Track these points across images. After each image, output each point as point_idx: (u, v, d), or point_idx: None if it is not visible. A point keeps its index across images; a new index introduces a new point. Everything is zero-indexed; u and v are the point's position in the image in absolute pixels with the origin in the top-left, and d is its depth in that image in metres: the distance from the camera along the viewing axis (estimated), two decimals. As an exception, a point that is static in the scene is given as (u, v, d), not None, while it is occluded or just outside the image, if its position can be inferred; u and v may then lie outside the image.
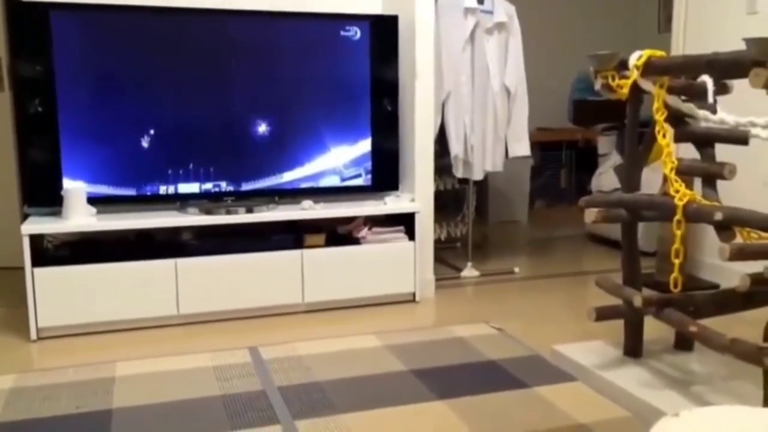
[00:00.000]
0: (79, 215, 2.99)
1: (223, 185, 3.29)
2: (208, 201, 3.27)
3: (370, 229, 3.40)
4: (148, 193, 3.19)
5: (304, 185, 3.42)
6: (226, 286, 3.13)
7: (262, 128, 3.31)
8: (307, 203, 3.33)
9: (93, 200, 3.07)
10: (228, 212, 3.17)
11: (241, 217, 3.18)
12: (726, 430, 0.96)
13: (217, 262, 3.11)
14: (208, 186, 3.28)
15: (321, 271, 3.26)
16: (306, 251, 3.24)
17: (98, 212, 3.08)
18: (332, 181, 3.46)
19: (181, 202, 3.25)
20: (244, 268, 3.15)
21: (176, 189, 3.23)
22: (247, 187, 3.33)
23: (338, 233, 3.46)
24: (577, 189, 6.12)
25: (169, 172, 3.21)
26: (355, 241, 3.38)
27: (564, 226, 5.44)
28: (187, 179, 3.24)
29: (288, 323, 3.15)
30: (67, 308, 2.92)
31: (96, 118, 3.07)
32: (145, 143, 3.15)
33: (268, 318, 3.21)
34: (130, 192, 3.16)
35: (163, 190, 3.21)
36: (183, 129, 3.20)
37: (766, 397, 1.91)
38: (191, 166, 3.24)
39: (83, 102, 3.04)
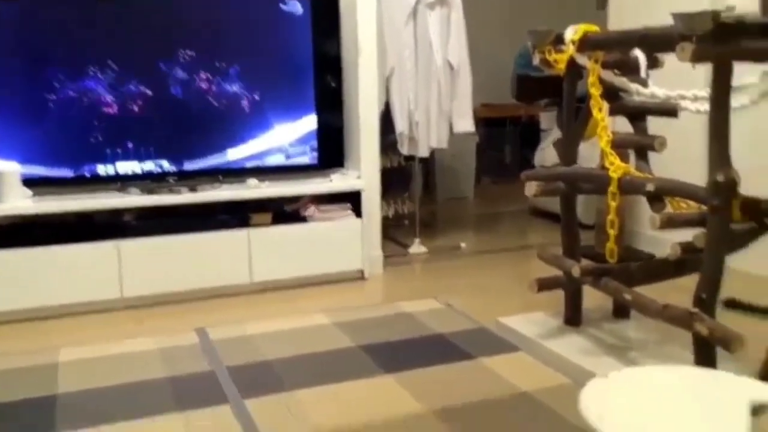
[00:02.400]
0: (14, 198, 2.89)
1: (165, 165, 3.23)
2: (150, 181, 3.21)
3: (316, 206, 3.39)
4: (87, 174, 3.11)
5: (248, 164, 3.38)
6: (171, 267, 3.09)
7: (204, 106, 3.26)
8: (252, 182, 3.30)
9: (28, 182, 2.97)
10: (171, 192, 3.12)
11: (185, 197, 3.13)
12: (647, 386, 1.02)
13: (161, 243, 3.06)
14: (150, 166, 3.21)
15: (268, 250, 3.25)
16: (252, 230, 3.22)
17: (34, 194, 2.98)
18: (277, 159, 3.44)
19: (122, 182, 3.18)
20: (190, 249, 3.11)
21: (116, 169, 3.15)
22: (189, 166, 3.28)
23: (285, 212, 3.44)
24: (522, 164, 6.23)
25: (108, 151, 3.13)
26: (302, 220, 3.37)
27: (509, 201, 5.54)
28: (126, 159, 3.16)
29: (236, 303, 3.13)
30: (6, 294, 2.84)
31: (28, 97, 2.96)
32: (81, 122, 3.06)
33: (216, 299, 3.18)
34: (67, 173, 3.07)
35: (102, 170, 3.13)
36: (120, 107, 3.12)
37: (696, 359, 2.01)
38: (131, 145, 3.16)
39: (14, 80, 2.93)
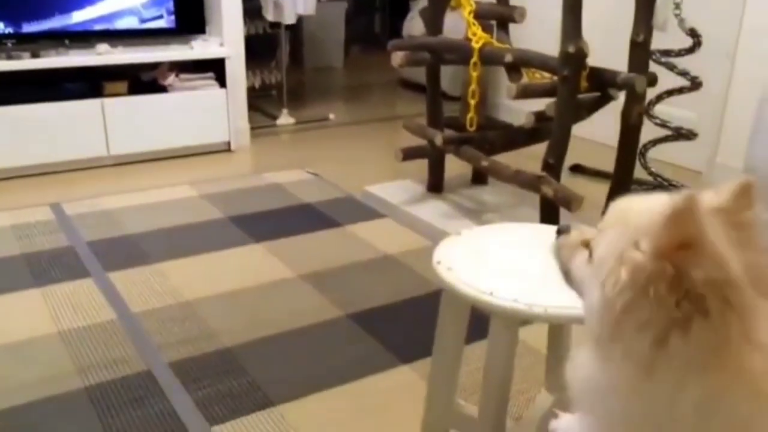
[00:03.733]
0: None
1: (0, 26, 2.90)
2: (-17, 45, 2.88)
3: (177, 75, 3.22)
4: None
5: (97, 27, 3.10)
6: (15, 140, 2.85)
7: (41, -41, 2.91)
8: (102, 47, 3.05)
9: None
10: (9, 57, 2.83)
11: (26, 63, 2.85)
12: (493, 241, 1.12)
13: (1, 113, 2.80)
14: (-19, 27, 2.87)
15: (126, 121, 3.07)
16: (107, 100, 3.02)
17: None
18: (130, 22, 3.17)
19: (-52, 45, 2.83)
20: (35, 120, 2.87)
21: (-61, 30, 2.79)
22: (29, 28, 2.96)
23: (142, 81, 3.24)
24: (391, 34, 6.17)
25: (-73, 9, 2.75)
26: (162, 89, 3.19)
27: (379, 71, 5.51)
28: (-49, 18, 2.80)
29: (93, 177, 2.98)
30: None
31: None
32: None
33: (71, 173, 3.01)
34: None
35: None
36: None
37: (542, 217, 2.19)
38: (-45, 2, 2.79)
39: None
